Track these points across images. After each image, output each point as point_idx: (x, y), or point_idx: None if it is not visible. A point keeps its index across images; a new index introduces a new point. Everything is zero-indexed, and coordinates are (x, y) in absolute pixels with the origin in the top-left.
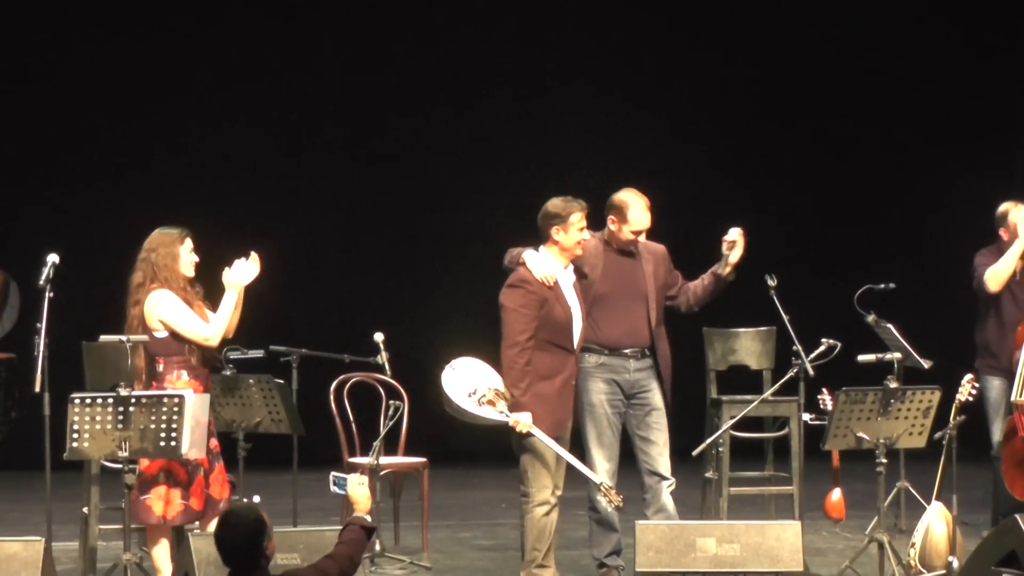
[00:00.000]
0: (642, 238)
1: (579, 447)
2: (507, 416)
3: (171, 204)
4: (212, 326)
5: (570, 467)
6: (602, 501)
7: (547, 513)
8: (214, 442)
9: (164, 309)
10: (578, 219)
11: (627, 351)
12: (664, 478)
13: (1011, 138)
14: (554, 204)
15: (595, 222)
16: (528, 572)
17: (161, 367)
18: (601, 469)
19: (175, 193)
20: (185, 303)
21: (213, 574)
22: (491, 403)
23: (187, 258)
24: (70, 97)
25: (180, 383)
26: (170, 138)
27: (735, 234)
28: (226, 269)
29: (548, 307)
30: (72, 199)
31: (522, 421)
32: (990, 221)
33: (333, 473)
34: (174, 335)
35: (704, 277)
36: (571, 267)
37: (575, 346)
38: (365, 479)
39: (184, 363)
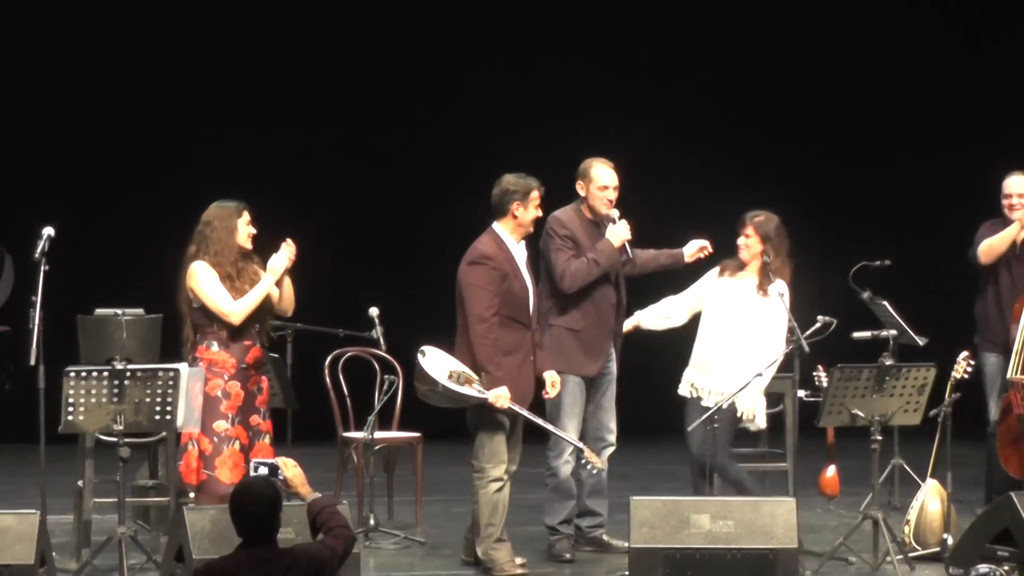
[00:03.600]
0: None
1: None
2: (484, 393)
3: (168, 181)
4: (236, 304)
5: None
6: (587, 464)
7: (500, 489)
8: (256, 419)
9: (196, 280)
10: (536, 196)
11: None
12: (611, 443)
13: (1006, 112)
14: (512, 181)
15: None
16: (486, 547)
17: (198, 337)
18: (573, 437)
19: (173, 170)
20: (230, 277)
21: (207, 548)
22: (468, 382)
23: (244, 230)
24: (69, 72)
25: (208, 353)
26: (169, 117)
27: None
28: (274, 254)
29: (508, 283)
30: (68, 172)
31: (501, 396)
32: (984, 196)
33: (254, 460)
34: (203, 307)
35: (658, 256)
36: (523, 243)
37: (532, 321)
38: (291, 460)
39: (215, 335)
